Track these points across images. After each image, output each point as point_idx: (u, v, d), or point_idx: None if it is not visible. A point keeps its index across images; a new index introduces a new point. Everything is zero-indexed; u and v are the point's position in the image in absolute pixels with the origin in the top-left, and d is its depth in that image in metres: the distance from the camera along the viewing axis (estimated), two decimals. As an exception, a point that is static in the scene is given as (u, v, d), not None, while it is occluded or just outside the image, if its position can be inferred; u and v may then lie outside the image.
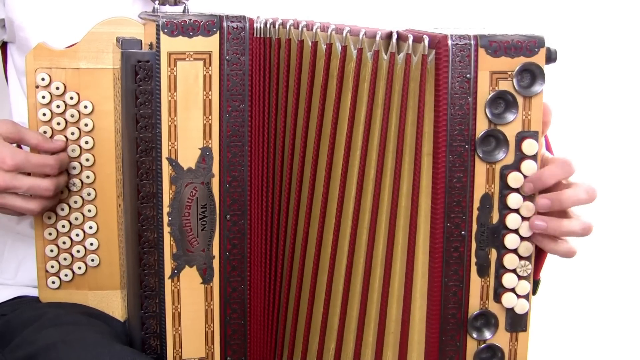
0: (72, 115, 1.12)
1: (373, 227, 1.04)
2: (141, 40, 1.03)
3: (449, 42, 0.97)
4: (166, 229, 1.03)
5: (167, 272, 1.04)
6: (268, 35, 1.03)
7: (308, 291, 1.08)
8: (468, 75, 0.97)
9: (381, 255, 1.04)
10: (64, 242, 1.14)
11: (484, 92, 0.98)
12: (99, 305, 1.16)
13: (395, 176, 1.01)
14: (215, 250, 1.04)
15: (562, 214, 1.00)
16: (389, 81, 1.00)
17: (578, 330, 2.15)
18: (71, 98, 1.11)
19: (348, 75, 1.02)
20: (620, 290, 2.15)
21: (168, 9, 1.11)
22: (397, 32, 1.00)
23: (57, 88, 1.11)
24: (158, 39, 1.00)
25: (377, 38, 1.00)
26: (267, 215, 1.06)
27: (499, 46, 0.98)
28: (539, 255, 1.08)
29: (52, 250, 1.14)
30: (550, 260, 1.09)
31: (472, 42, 0.97)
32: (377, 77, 1.01)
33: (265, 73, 1.03)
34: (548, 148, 1.12)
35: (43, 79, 1.11)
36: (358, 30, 1.01)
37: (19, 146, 1.10)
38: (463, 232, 1.00)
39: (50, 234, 1.14)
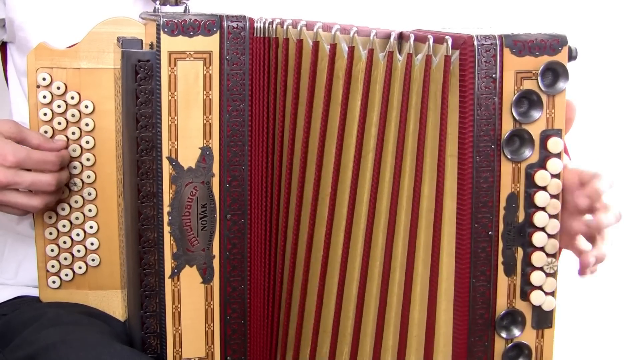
0: (72, 115, 1.12)
1: (391, 230, 1.03)
2: (142, 40, 1.03)
3: (475, 42, 0.96)
4: (166, 229, 1.03)
5: (167, 271, 1.04)
6: (268, 35, 1.03)
7: (315, 293, 1.07)
8: (494, 76, 0.97)
9: (400, 258, 1.04)
10: (64, 242, 1.14)
11: (510, 92, 0.98)
12: (99, 305, 1.16)
13: (416, 178, 1.01)
14: (216, 250, 1.04)
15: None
16: (406, 83, 1.00)
17: (599, 329, 2.15)
18: (72, 98, 1.12)
19: (357, 77, 1.02)
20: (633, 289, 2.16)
21: (169, 9, 1.11)
22: (415, 34, 1.00)
23: (58, 88, 1.11)
24: (158, 38, 1.00)
25: (392, 39, 1.00)
26: (267, 215, 1.06)
27: (523, 45, 0.98)
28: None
29: (52, 250, 1.14)
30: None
31: (497, 42, 0.97)
32: (392, 78, 1.01)
33: (265, 73, 1.03)
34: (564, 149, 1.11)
35: (44, 79, 1.11)
36: (368, 31, 1.01)
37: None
38: (490, 232, 1.00)
39: (50, 233, 1.14)
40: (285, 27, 1.02)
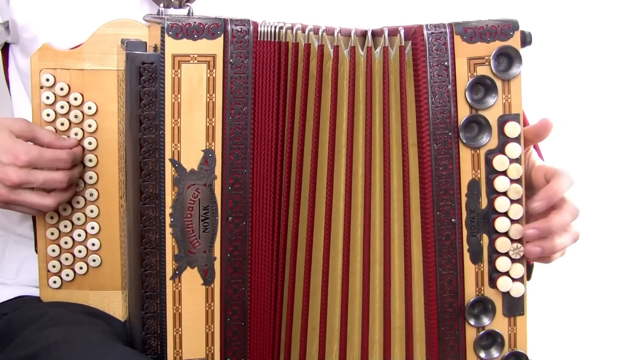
0: (76, 116, 1.12)
1: (367, 224, 1.05)
2: (146, 42, 1.04)
3: (425, 31, 0.99)
4: (168, 230, 1.03)
5: (169, 272, 1.04)
6: (272, 39, 1.04)
7: (301, 292, 1.09)
8: (446, 63, 0.99)
9: (379, 250, 1.06)
10: (65, 242, 1.14)
11: (463, 79, 1.00)
12: (100, 305, 1.16)
13: (384, 170, 1.03)
14: (217, 252, 1.05)
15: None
16: (368, 76, 1.02)
17: (584, 326, 2.16)
18: (75, 99, 1.12)
19: (327, 74, 1.04)
20: (621, 286, 2.17)
21: (173, 11, 1.12)
22: (372, 29, 1.02)
23: (62, 89, 1.12)
24: (163, 41, 1.00)
25: (352, 35, 1.02)
26: (268, 217, 1.06)
27: (474, 32, 1.00)
28: None
29: (54, 250, 1.14)
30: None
31: (448, 30, 0.99)
32: (356, 73, 1.03)
33: (268, 76, 1.04)
34: (536, 148, 1.13)
35: (48, 80, 1.11)
36: (332, 29, 1.03)
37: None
38: (453, 220, 1.01)
39: (52, 233, 1.14)
40: (285, 30, 1.03)
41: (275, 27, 1.04)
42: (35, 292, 1.18)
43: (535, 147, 1.12)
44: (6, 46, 1.24)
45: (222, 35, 1.01)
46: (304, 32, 1.03)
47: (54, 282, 1.15)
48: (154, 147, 1.02)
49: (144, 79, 1.01)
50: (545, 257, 1.03)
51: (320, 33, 1.03)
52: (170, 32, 1.00)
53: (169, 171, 1.02)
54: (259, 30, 1.03)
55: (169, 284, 1.04)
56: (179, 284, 1.05)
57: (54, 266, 1.15)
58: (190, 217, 1.03)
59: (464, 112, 1.00)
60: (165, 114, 1.01)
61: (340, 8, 1.17)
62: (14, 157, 1.04)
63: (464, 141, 1.00)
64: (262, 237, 1.06)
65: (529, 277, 1.08)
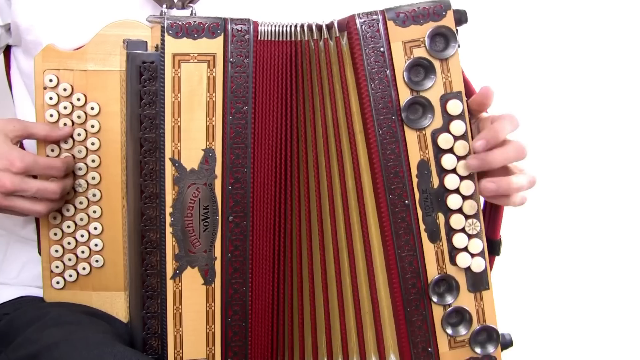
0: (78, 117, 1.12)
1: (332, 212, 1.06)
2: (146, 42, 1.04)
3: (357, 20, 1.01)
4: (168, 230, 1.03)
5: (169, 272, 1.04)
6: (272, 38, 1.04)
7: (301, 291, 1.09)
8: (382, 49, 1.01)
9: (344, 238, 1.07)
10: (68, 243, 1.15)
11: (401, 63, 1.02)
12: (103, 306, 1.16)
13: (338, 159, 1.05)
14: (217, 252, 1.04)
15: (506, 170, 1.03)
16: (316, 69, 1.04)
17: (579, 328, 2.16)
18: (78, 99, 1.12)
19: (314, 70, 1.05)
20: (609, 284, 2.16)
21: (175, 12, 1.12)
22: (316, 23, 1.04)
23: (65, 89, 1.12)
24: (163, 40, 1.01)
25: (305, 29, 1.05)
26: (269, 217, 1.06)
27: (406, 16, 1.01)
28: (495, 216, 1.11)
29: (57, 251, 1.14)
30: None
31: (380, 16, 1.01)
32: (311, 67, 1.05)
33: (268, 75, 1.04)
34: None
35: (51, 80, 1.12)
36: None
37: (22, 146, 1.11)
38: (406, 202, 1.03)
39: (55, 234, 1.14)
40: (285, 29, 1.04)
41: (276, 26, 1.04)
42: (36, 292, 1.18)
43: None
44: (8, 48, 1.25)
45: (222, 34, 1.02)
46: (304, 30, 1.03)
47: (57, 282, 1.15)
48: (154, 147, 1.03)
49: (145, 78, 1.02)
50: (502, 197, 1.04)
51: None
52: (170, 31, 1.01)
53: (169, 170, 1.02)
54: (259, 30, 1.03)
55: (170, 283, 1.04)
56: (180, 284, 1.04)
57: (57, 267, 1.15)
58: (191, 216, 1.03)
59: (405, 95, 1.02)
60: (165, 113, 1.02)
61: (340, 8, 1.17)
62: (9, 164, 1.04)
63: (408, 123, 1.02)
64: (263, 236, 1.06)
65: (498, 253, 1.11)
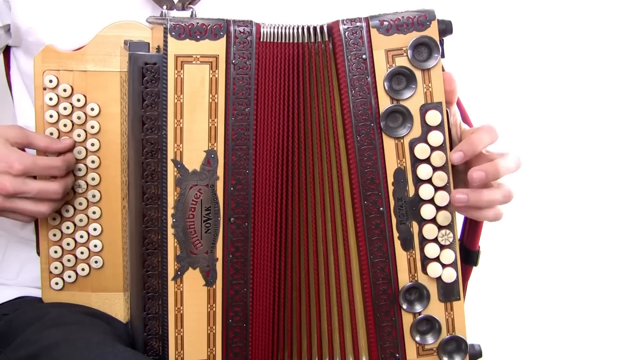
0: (78, 118, 1.12)
1: (322, 215, 1.07)
2: (148, 43, 1.04)
3: (341, 26, 1.02)
4: (170, 231, 1.03)
5: (171, 273, 1.04)
6: (274, 40, 1.04)
7: (296, 290, 1.10)
8: (364, 56, 1.02)
9: (331, 241, 1.08)
10: (68, 244, 1.14)
11: (382, 71, 1.03)
12: (102, 307, 1.16)
13: (327, 163, 1.06)
14: (219, 253, 1.05)
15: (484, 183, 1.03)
16: (314, 71, 1.05)
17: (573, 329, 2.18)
18: (78, 100, 1.12)
19: (297, 72, 1.06)
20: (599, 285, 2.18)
21: (176, 13, 1.12)
22: (313, 26, 1.05)
23: (65, 90, 1.12)
24: (165, 41, 1.01)
25: (306, 31, 1.05)
26: (271, 218, 1.06)
27: (390, 24, 1.02)
28: (475, 226, 1.12)
29: (56, 252, 1.14)
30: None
31: (364, 23, 1.02)
32: (309, 69, 1.05)
33: (270, 77, 1.04)
34: (466, 120, 1.15)
35: (51, 81, 1.12)
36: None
37: (23, 149, 1.11)
38: (381, 208, 1.04)
39: (54, 235, 1.14)
40: (287, 31, 1.04)
41: (278, 27, 1.04)
42: (36, 293, 1.18)
43: (466, 119, 1.14)
44: (7, 49, 1.24)
45: (225, 36, 1.02)
46: (304, 32, 1.04)
47: (56, 283, 1.15)
48: (156, 148, 1.03)
49: (147, 80, 1.02)
50: (473, 209, 1.04)
51: (317, 33, 1.05)
52: (172, 33, 1.01)
53: (171, 172, 1.02)
54: (261, 31, 1.04)
55: (171, 284, 1.04)
56: (181, 285, 1.05)
57: (56, 268, 1.15)
58: (193, 217, 1.03)
59: (385, 103, 1.03)
60: (167, 115, 1.02)
61: (340, 7, 1.17)
62: (8, 166, 1.04)
63: (386, 131, 1.03)
64: (264, 238, 1.06)
65: (475, 263, 1.12)
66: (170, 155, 1.02)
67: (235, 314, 1.06)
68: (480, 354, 1.10)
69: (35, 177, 1.08)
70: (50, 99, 1.12)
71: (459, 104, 1.12)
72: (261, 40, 1.03)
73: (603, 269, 2.15)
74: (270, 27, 1.04)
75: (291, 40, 1.05)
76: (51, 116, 1.12)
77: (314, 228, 1.08)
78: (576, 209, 2.14)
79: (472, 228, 1.13)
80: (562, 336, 2.16)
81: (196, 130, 1.02)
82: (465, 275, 1.14)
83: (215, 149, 1.03)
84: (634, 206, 2.14)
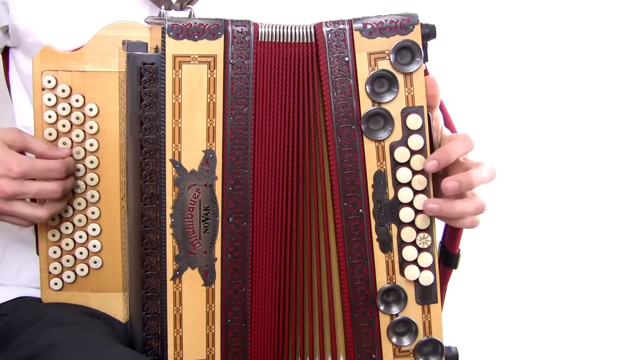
0: (77, 118, 1.12)
1: (315, 213, 1.08)
2: (147, 43, 1.04)
3: (324, 28, 1.02)
4: (169, 231, 1.03)
5: (169, 273, 1.04)
6: (272, 40, 1.04)
7: (294, 290, 1.10)
8: (346, 59, 1.02)
9: (323, 240, 1.08)
10: (67, 244, 1.14)
11: (364, 73, 1.03)
12: (101, 307, 1.16)
13: (313, 163, 1.07)
14: (218, 253, 1.05)
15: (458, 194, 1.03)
16: (304, 72, 1.05)
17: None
18: (77, 100, 1.12)
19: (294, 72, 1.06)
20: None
21: (174, 14, 1.12)
22: (307, 26, 1.05)
23: (63, 90, 1.12)
24: (163, 41, 1.01)
25: (302, 31, 1.05)
26: (269, 218, 1.06)
27: (373, 27, 1.02)
28: (455, 230, 1.12)
29: (55, 252, 1.14)
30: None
31: (347, 26, 1.03)
32: (305, 69, 1.06)
33: (268, 76, 1.04)
34: (450, 125, 1.15)
35: (49, 82, 1.12)
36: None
37: (23, 153, 1.11)
38: (360, 210, 1.04)
39: (53, 235, 1.14)
40: (285, 30, 1.04)
41: (276, 27, 1.04)
42: (35, 293, 1.18)
43: (450, 124, 1.14)
44: (6, 49, 1.24)
45: (223, 35, 1.02)
46: (301, 32, 1.04)
47: (55, 284, 1.15)
48: (154, 148, 1.03)
49: (145, 80, 1.02)
50: (446, 218, 1.05)
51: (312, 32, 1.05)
52: (171, 33, 1.01)
53: (169, 172, 1.03)
54: (259, 31, 1.04)
55: (170, 284, 1.05)
56: (180, 285, 1.05)
57: (55, 268, 1.15)
58: (191, 217, 1.04)
59: (366, 106, 1.03)
60: (166, 115, 1.02)
61: (341, 7, 1.17)
62: (7, 169, 1.04)
63: (367, 134, 1.04)
64: (263, 237, 1.06)
65: (455, 266, 1.13)
66: (168, 155, 1.02)
67: (234, 313, 1.06)
68: (456, 357, 1.11)
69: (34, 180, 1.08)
70: (49, 99, 1.12)
71: (442, 109, 1.12)
72: (259, 40, 1.03)
73: (583, 272, 2.16)
74: (268, 27, 1.04)
75: (289, 40, 1.05)
76: (50, 116, 1.12)
77: (308, 228, 1.08)
78: (558, 212, 2.15)
79: (452, 231, 1.13)
80: (541, 339, 2.16)
81: (194, 130, 1.03)
82: (445, 278, 1.15)
83: (213, 148, 1.03)
84: (619, 208, 2.14)
